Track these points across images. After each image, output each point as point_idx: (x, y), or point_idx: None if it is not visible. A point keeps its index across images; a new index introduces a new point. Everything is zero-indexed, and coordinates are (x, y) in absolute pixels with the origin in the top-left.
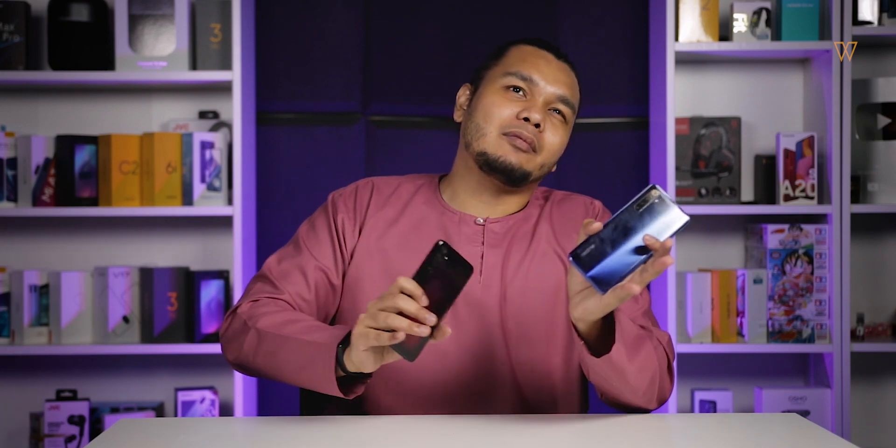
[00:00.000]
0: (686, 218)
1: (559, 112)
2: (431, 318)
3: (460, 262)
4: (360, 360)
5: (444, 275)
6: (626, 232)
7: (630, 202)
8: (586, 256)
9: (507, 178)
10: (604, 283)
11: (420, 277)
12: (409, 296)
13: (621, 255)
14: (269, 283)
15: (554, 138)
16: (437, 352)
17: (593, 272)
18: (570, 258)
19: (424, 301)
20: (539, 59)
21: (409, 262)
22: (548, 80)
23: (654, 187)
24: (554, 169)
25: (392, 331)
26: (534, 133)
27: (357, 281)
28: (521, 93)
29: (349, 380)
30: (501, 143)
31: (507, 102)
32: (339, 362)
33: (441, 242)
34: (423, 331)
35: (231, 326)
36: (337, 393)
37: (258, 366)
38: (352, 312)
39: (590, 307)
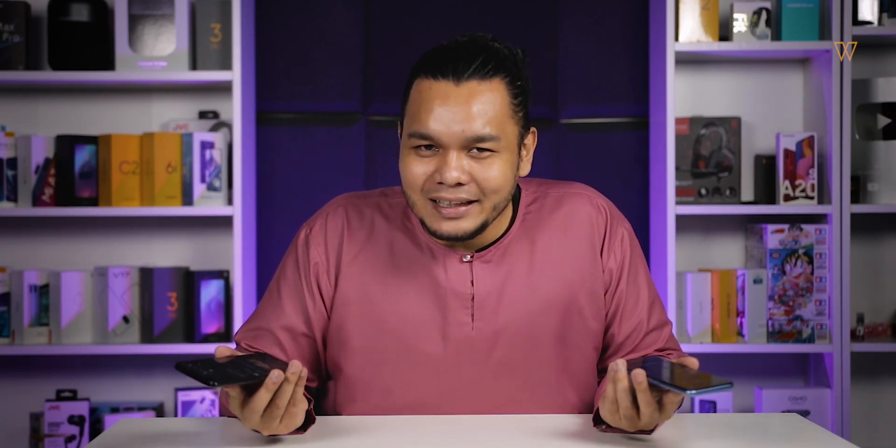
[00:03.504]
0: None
1: (482, 149)
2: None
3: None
4: (285, 429)
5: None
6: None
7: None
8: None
9: (459, 241)
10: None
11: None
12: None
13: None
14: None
15: (489, 174)
16: (430, 403)
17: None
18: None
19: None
20: (433, 100)
21: (391, 303)
22: (448, 125)
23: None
24: (521, 174)
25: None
26: (458, 191)
27: (339, 329)
28: (432, 149)
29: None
30: (432, 212)
31: (419, 164)
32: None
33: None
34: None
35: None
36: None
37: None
38: (338, 361)
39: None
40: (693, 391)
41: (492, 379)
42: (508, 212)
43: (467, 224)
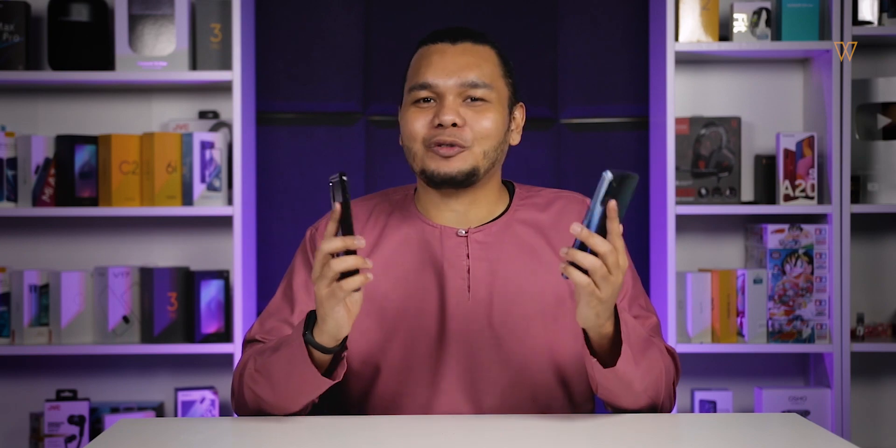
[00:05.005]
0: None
1: (476, 98)
2: (361, 242)
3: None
4: (335, 322)
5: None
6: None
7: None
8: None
9: (454, 185)
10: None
11: (346, 225)
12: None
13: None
14: (256, 345)
15: (482, 123)
16: (429, 376)
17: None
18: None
19: (360, 241)
20: (432, 55)
21: (394, 286)
22: (446, 74)
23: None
24: (512, 144)
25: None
26: (454, 133)
27: None
28: (430, 101)
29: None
30: (430, 157)
31: (419, 115)
32: (316, 346)
33: (338, 178)
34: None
35: (233, 388)
36: (315, 373)
37: (266, 394)
38: (350, 344)
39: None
40: (609, 176)
41: (486, 351)
42: (505, 199)
43: (461, 164)
